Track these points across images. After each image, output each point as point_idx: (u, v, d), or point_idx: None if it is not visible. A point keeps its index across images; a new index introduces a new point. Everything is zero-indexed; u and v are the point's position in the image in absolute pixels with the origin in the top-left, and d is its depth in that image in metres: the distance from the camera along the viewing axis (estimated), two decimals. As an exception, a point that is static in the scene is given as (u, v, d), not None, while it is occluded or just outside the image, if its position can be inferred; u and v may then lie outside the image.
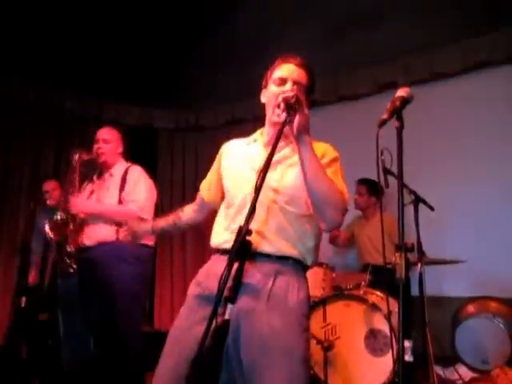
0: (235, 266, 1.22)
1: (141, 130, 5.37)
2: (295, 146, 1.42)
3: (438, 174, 4.04)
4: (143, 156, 4.43)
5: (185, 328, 1.42)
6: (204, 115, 5.55)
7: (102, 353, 2.69)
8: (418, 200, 2.76)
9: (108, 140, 2.83)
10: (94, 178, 2.89)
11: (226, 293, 1.20)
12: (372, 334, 2.76)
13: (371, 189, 3.86)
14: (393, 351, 2.37)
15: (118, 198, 2.71)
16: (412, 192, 2.78)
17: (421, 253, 2.73)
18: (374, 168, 2.05)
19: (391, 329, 2.59)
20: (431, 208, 2.82)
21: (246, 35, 4.81)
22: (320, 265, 3.26)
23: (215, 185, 1.72)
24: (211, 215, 1.75)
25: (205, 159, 5.55)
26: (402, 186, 1.32)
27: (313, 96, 1.63)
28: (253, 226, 1.30)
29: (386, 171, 2.99)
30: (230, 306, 1.22)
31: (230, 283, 1.21)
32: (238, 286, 1.23)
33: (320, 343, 2.81)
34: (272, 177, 1.45)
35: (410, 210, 2.93)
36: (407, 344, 1.25)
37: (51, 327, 3.13)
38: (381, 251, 3.48)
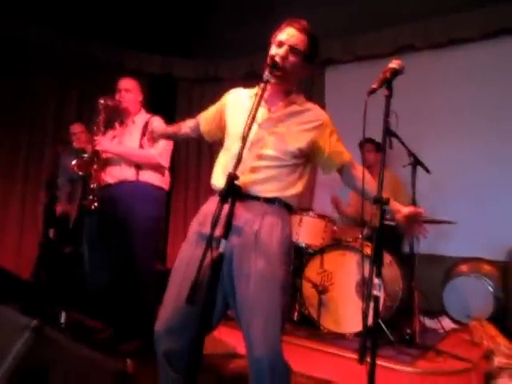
0: (226, 206, 1.44)
1: (161, 78, 5.51)
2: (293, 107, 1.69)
3: (444, 138, 4.17)
4: (162, 105, 4.63)
5: (185, 261, 1.66)
6: (223, 66, 5.63)
7: (118, 282, 3.00)
8: (416, 162, 2.92)
9: (129, 89, 3.01)
10: (116, 125, 3.09)
11: (218, 230, 1.42)
12: (363, 282, 3.01)
13: (377, 146, 4.02)
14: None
15: (139, 142, 2.92)
16: (412, 154, 2.94)
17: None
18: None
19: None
20: (427, 170, 2.98)
21: (270, -12, 4.84)
22: (322, 217, 3.49)
23: (211, 121, 1.87)
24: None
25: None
26: (385, 149, 1.52)
27: (312, 61, 1.73)
28: (245, 171, 1.56)
29: (390, 133, 3.18)
30: (223, 241, 1.45)
31: (222, 222, 1.43)
32: (229, 224, 1.46)
33: (315, 287, 3.08)
34: (266, 129, 1.65)
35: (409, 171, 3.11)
36: (376, 281, 1.47)
37: (75, 259, 3.45)
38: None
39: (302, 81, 5.19)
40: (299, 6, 4.73)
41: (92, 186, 2.84)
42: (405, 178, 3.36)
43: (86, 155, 2.85)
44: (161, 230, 3.06)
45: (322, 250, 3.21)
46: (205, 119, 1.93)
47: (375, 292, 1.49)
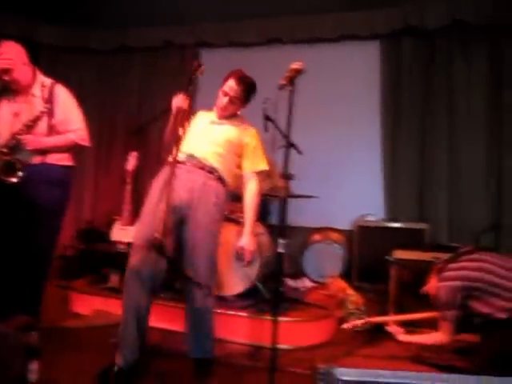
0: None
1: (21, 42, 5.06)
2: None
3: (308, 124, 4.75)
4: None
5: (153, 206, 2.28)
6: (92, 37, 5.43)
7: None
8: (289, 144, 3.35)
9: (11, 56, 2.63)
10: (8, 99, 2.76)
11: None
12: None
13: None
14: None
15: (47, 124, 2.70)
16: (285, 137, 3.36)
17: (286, 188, 3.39)
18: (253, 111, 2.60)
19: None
20: (299, 152, 3.43)
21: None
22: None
23: None
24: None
25: (89, 83, 5.51)
26: (288, 134, 1.84)
27: (248, 101, 2.58)
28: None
29: (267, 118, 3.58)
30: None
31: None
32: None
33: (200, 256, 3.35)
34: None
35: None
36: (281, 241, 1.83)
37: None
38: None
39: (174, 61, 5.32)
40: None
41: None
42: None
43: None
44: (65, 211, 2.95)
45: (205, 222, 3.49)
46: None
47: (280, 250, 1.85)
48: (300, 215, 4.71)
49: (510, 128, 4.26)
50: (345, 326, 2.87)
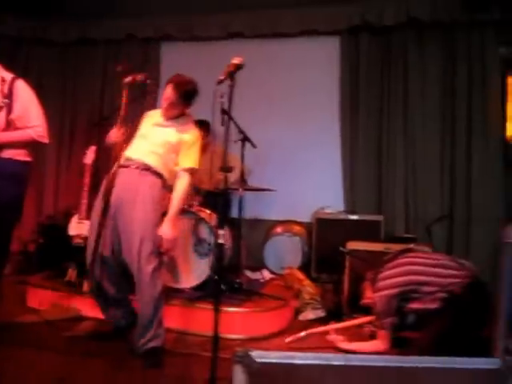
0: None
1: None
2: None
3: (268, 117, 4.82)
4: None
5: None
6: (53, 29, 5.32)
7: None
8: (244, 138, 3.41)
9: None
10: None
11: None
12: (199, 242, 3.42)
13: (206, 129, 4.40)
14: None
15: (5, 119, 2.69)
16: (241, 132, 3.41)
17: (243, 181, 3.44)
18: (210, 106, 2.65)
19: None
20: (254, 145, 3.49)
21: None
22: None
23: None
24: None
25: (49, 76, 5.40)
26: (228, 127, 1.89)
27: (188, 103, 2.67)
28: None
29: (224, 112, 3.60)
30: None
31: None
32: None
33: (156, 248, 3.37)
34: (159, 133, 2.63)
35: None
36: (221, 232, 1.88)
37: None
38: (211, 178, 4.12)
39: (137, 54, 5.29)
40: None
41: None
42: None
43: None
44: (21, 206, 2.90)
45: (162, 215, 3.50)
46: None
47: (220, 241, 1.90)
48: (264, 208, 4.80)
49: (463, 122, 4.40)
50: (287, 340, 2.80)
